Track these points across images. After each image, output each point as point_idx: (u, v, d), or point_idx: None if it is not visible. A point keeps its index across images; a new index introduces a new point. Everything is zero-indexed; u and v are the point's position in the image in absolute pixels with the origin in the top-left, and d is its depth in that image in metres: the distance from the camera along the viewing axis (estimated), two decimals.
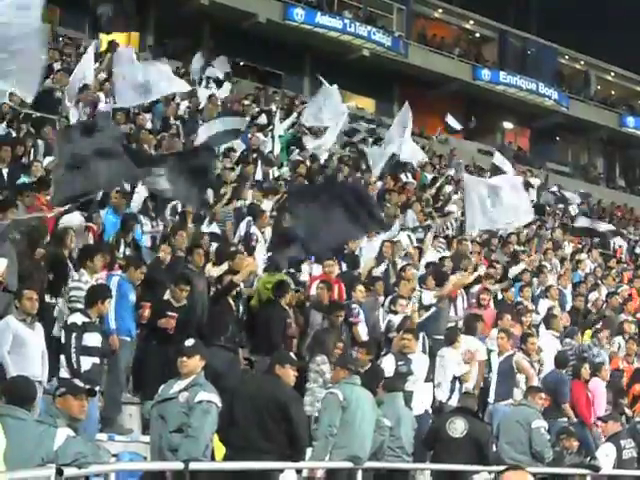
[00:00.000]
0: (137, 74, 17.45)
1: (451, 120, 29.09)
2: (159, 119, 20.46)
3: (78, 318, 9.65)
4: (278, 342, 11.61)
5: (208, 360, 8.32)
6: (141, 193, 14.53)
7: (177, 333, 10.76)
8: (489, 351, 12.96)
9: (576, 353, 14.31)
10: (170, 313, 10.91)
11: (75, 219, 12.09)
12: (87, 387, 7.39)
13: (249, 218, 15.34)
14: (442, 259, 16.11)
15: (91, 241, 12.05)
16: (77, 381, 7.60)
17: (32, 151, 15.65)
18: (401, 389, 10.61)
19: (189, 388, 7.88)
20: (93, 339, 9.63)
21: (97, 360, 9.64)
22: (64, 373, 9.37)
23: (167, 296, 11.19)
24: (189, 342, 8.19)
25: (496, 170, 23.46)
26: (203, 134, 18.41)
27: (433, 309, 13.30)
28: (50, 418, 6.67)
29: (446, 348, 12.39)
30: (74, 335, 9.48)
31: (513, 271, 17.24)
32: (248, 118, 22.06)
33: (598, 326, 15.69)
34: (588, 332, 15.58)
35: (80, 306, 10.24)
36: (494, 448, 10.79)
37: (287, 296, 12.14)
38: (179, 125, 20.16)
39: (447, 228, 19.45)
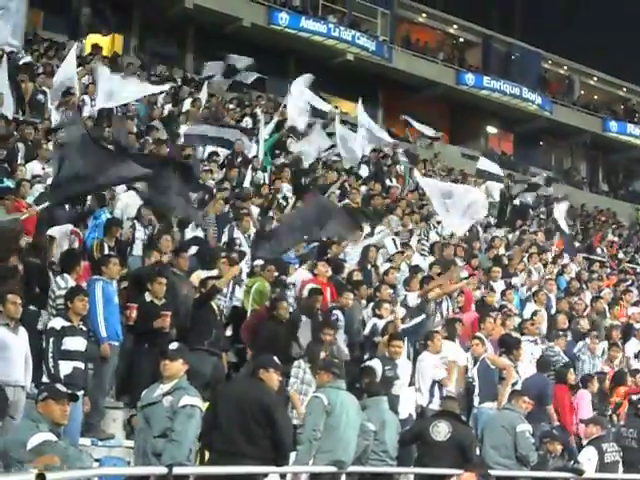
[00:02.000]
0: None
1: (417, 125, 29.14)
2: (143, 123, 20.43)
3: (57, 323, 9.60)
4: (288, 354, 11.56)
5: (192, 364, 8.32)
6: (124, 199, 14.51)
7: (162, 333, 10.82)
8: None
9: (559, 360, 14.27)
10: (163, 312, 10.88)
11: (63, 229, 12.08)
12: (69, 392, 7.38)
13: (233, 223, 15.33)
14: (431, 265, 16.16)
15: (76, 246, 11.99)
16: (59, 386, 7.59)
17: (18, 155, 15.61)
18: (385, 393, 10.61)
19: (173, 392, 7.87)
20: (75, 343, 9.57)
21: (80, 364, 9.57)
22: (45, 378, 9.34)
23: (149, 298, 11.15)
24: (173, 345, 8.26)
25: (482, 174, 23.58)
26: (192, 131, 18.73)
27: (422, 316, 13.28)
28: None
29: (425, 352, 12.42)
30: (52, 340, 9.44)
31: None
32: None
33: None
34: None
35: None
36: (478, 452, 10.80)
37: (282, 306, 12.04)
38: (160, 128, 20.12)
39: (431, 230, 19.50)
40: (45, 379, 9.26)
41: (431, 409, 11.87)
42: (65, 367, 9.40)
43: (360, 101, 22.90)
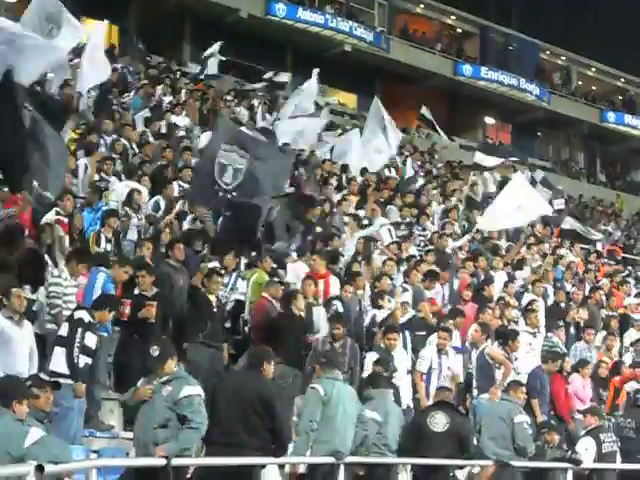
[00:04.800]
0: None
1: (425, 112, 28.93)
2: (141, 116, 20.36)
3: (85, 315, 9.64)
4: (299, 351, 11.65)
5: (189, 356, 8.30)
6: (119, 189, 14.47)
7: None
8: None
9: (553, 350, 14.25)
10: (148, 302, 10.87)
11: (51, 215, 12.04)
12: (51, 380, 7.46)
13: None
14: (425, 253, 16.15)
15: (61, 234, 11.92)
16: (42, 375, 7.69)
17: None
18: (388, 386, 10.57)
19: (172, 381, 7.86)
20: (92, 340, 9.64)
21: (89, 361, 9.63)
22: (54, 366, 9.36)
23: (137, 290, 11.15)
24: (154, 352, 8.11)
25: (478, 168, 23.56)
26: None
27: (412, 313, 13.28)
28: (31, 419, 6.76)
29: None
30: (80, 330, 9.48)
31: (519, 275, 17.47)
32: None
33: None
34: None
35: (59, 302, 10.31)
36: (476, 442, 10.80)
37: (297, 302, 11.97)
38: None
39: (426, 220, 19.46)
40: (55, 367, 9.31)
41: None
42: (81, 361, 9.49)
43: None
